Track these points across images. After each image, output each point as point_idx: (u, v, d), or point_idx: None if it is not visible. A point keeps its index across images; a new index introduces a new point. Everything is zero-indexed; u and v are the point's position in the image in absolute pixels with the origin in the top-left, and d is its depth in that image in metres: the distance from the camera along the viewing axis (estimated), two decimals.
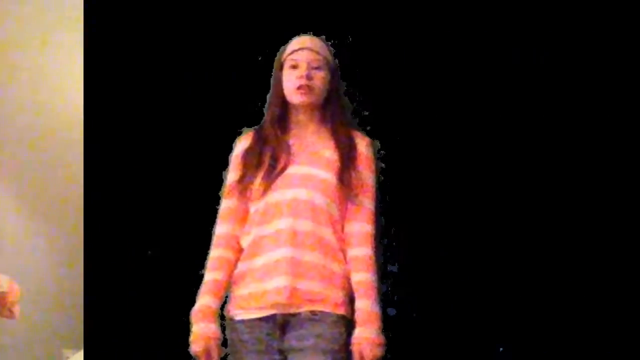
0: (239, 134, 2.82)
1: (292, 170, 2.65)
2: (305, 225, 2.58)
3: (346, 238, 2.64)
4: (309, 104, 2.70)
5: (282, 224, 2.59)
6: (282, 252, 2.57)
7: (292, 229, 2.57)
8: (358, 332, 2.53)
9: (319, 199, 2.61)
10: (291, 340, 2.54)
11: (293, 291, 2.53)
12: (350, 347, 2.53)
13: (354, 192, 2.64)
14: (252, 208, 2.65)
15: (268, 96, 2.78)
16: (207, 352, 2.56)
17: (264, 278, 2.58)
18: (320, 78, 2.69)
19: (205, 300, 2.61)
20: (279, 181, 2.63)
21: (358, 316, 2.55)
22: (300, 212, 2.58)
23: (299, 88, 2.67)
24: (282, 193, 2.62)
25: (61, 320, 4.15)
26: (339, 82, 2.78)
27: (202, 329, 2.57)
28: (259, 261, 2.61)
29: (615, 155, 3.54)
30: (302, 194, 2.61)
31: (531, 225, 3.56)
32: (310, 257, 2.57)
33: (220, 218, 2.70)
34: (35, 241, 4.15)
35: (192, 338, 2.57)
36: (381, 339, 2.54)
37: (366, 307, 2.55)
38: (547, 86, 3.58)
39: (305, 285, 2.55)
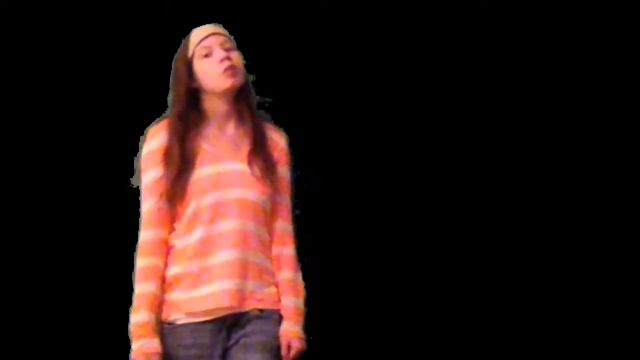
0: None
1: (226, 167, 2.56)
2: (250, 225, 2.53)
3: (270, 235, 2.62)
4: (239, 84, 2.59)
5: (229, 224, 2.52)
6: (230, 254, 2.51)
7: (240, 230, 2.52)
8: (287, 326, 2.57)
9: (257, 198, 2.56)
10: (238, 337, 2.51)
11: (242, 293, 2.51)
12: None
13: (276, 188, 2.60)
14: (189, 208, 2.53)
15: (170, 96, 2.65)
16: None
17: (210, 280, 2.51)
18: (237, 58, 2.61)
19: (142, 316, 2.49)
20: (213, 180, 2.54)
21: (286, 311, 2.58)
22: (246, 213, 2.53)
23: (225, 70, 2.56)
24: (225, 192, 2.53)
25: None
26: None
27: (143, 346, 2.46)
28: (204, 262, 2.52)
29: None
30: (245, 193, 2.54)
31: (449, 225, 3.70)
32: (254, 258, 2.55)
33: (145, 222, 2.55)
34: None
35: (132, 355, 2.47)
36: (303, 333, 2.59)
37: (293, 303, 2.59)
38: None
39: (251, 286, 2.53)
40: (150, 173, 2.56)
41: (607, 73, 3.68)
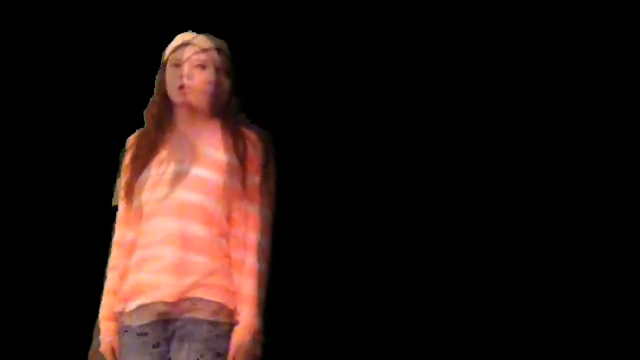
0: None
1: (171, 169, 2.56)
2: (177, 225, 2.51)
3: (233, 243, 2.57)
4: (190, 103, 2.60)
5: (158, 222, 2.53)
6: (166, 250, 2.50)
7: (178, 229, 2.50)
8: (236, 339, 2.49)
9: (194, 198, 2.52)
10: (178, 343, 2.48)
11: (175, 288, 2.47)
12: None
13: (242, 196, 2.57)
14: (133, 206, 2.60)
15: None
16: (110, 351, 2.57)
17: (141, 270, 2.53)
18: (203, 78, 2.60)
19: (105, 300, 2.61)
20: (155, 180, 2.56)
21: (240, 323, 2.51)
22: (183, 214, 2.51)
23: (180, 87, 2.58)
24: (155, 192, 2.55)
25: None
26: (229, 80, 2.66)
27: (104, 328, 2.58)
28: (138, 254, 2.56)
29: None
30: (178, 194, 2.53)
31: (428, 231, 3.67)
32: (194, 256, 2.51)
33: (116, 223, 2.66)
34: None
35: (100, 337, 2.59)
36: (257, 350, 2.52)
37: (247, 316, 2.51)
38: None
39: (182, 282, 2.48)
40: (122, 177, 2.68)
41: (607, 73, 3.66)
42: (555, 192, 3.72)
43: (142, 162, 2.60)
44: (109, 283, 2.62)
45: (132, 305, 2.53)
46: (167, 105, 2.64)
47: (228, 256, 2.54)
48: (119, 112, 3.62)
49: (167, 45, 2.69)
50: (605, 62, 3.67)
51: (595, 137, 3.69)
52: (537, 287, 3.70)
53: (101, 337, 2.58)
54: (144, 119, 2.68)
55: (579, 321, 3.67)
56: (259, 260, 2.56)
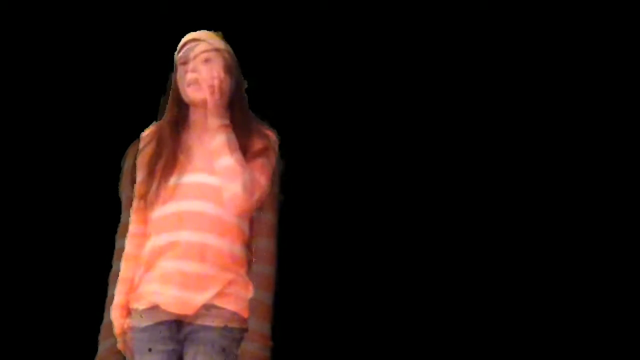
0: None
1: (188, 179, 2.54)
2: (190, 236, 2.48)
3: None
4: (199, 100, 2.58)
5: (176, 235, 2.49)
6: (174, 264, 2.48)
7: (197, 241, 2.48)
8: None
9: (212, 209, 2.50)
10: (189, 341, 2.48)
11: (193, 302, 2.46)
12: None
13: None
14: (151, 215, 2.56)
15: (166, 99, 2.67)
16: (126, 346, 2.58)
17: (158, 281, 2.50)
18: (210, 71, 2.56)
19: (117, 298, 2.59)
20: (175, 190, 2.52)
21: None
22: (203, 225, 2.49)
23: (188, 85, 2.57)
24: (177, 205, 2.51)
25: None
26: (237, 78, 2.65)
27: (117, 325, 2.58)
28: (158, 265, 2.52)
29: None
30: (195, 205, 2.50)
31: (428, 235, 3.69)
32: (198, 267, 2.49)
33: (132, 218, 2.64)
34: None
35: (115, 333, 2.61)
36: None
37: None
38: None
39: (199, 297, 2.46)
40: (137, 176, 2.64)
41: (607, 73, 3.67)
42: (554, 193, 3.72)
43: (158, 167, 2.56)
44: (126, 272, 2.60)
45: (143, 305, 2.51)
46: (182, 106, 2.63)
47: (245, 264, 2.52)
48: (119, 114, 3.60)
49: (173, 47, 2.67)
50: (605, 62, 3.66)
51: (595, 137, 3.68)
52: (541, 288, 3.69)
53: (116, 332, 2.58)
54: (159, 120, 2.66)
55: (578, 321, 3.66)
56: (271, 265, 2.58)
